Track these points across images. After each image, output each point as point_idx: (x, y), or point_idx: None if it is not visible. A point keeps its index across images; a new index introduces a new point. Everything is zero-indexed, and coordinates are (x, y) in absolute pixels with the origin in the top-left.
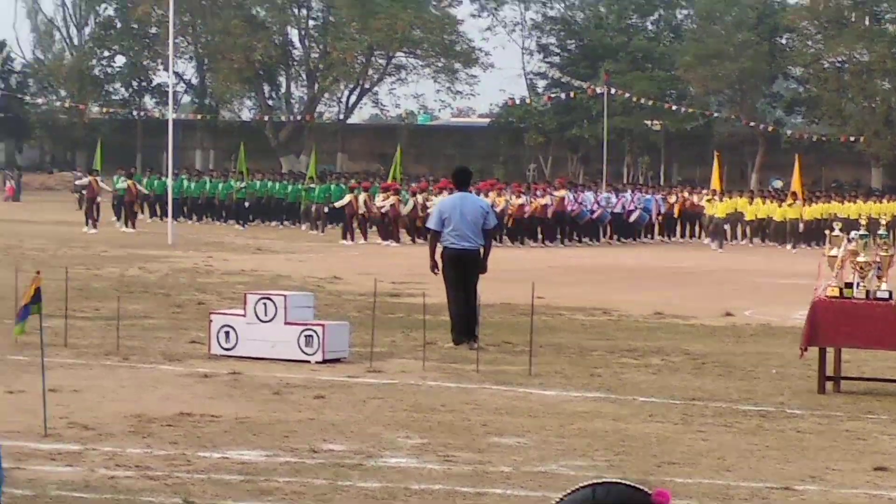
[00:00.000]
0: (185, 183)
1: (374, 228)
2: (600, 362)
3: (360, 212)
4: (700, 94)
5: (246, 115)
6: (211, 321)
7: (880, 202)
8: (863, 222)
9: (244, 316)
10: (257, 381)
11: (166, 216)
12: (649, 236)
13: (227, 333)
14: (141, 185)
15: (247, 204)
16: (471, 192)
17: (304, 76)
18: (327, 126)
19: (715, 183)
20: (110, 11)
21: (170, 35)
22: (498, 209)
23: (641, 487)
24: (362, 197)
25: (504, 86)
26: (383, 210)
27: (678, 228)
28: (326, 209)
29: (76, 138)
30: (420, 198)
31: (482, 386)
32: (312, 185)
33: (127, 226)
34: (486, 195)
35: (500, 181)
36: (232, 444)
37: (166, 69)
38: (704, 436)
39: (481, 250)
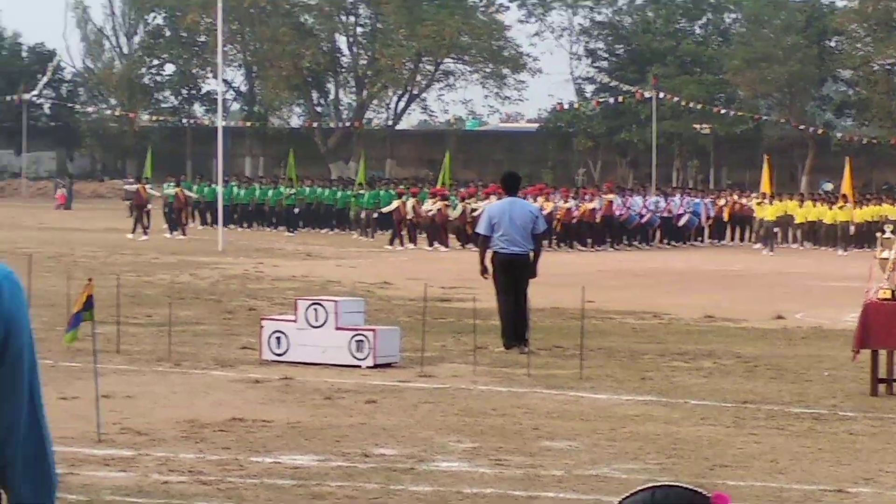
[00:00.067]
0: (235, 190)
1: (424, 234)
2: (651, 366)
3: (408, 217)
4: (749, 97)
5: (295, 121)
6: (262, 327)
7: None
8: None
9: (295, 321)
10: (309, 387)
11: (216, 223)
12: (699, 240)
13: (278, 339)
14: (190, 192)
15: (296, 210)
16: (520, 196)
17: (352, 83)
18: (376, 132)
19: (765, 186)
20: (159, 20)
21: (219, 43)
22: (545, 213)
23: (700, 490)
24: (410, 202)
25: (552, 91)
26: (430, 214)
27: (728, 232)
28: (375, 215)
29: (126, 146)
30: (469, 203)
31: (533, 390)
32: (361, 192)
33: (173, 233)
34: (535, 200)
35: (549, 186)
36: (284, 449)
37: (215, 77)
38: (756, 439)
39: (531, 255)
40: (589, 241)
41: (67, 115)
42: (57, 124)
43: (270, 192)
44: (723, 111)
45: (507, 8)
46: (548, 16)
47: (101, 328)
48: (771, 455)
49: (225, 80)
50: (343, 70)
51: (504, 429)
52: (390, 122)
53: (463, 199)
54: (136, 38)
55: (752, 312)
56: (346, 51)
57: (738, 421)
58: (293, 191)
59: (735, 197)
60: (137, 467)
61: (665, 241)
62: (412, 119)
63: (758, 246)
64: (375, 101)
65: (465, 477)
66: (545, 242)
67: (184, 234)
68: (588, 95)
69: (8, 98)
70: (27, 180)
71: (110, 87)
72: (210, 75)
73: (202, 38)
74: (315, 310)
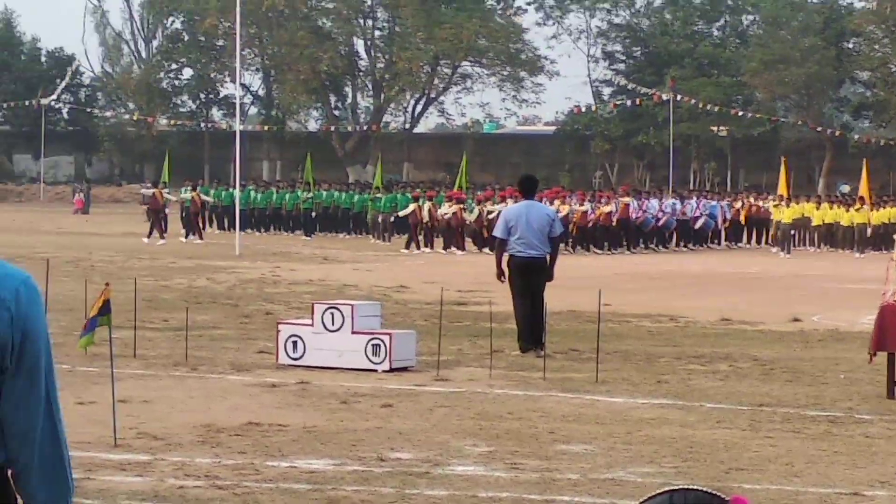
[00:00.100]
0: (252, 194)
1: (441, 238)
2: (667, 369)
3: (425, 221)
4: (766, 99)
5: (312, 125)
6: (279, 331)
7: None
8: None
9: (311, 326)
10: (325, 391)
11: (234, 227)
12: (716, 242)
13: (294, 343)
14: (207, 196)
15: (313, 214)
16: (537, 199)
17: (370, 86)
18: (393, 136)
19: (782, 188)
20: (178, 24)
21: (237, 47)
22: (561, 216)
23: (719, 494)
24: (427, 206)
25: (569, 94)
26: (446, 217)
27: (744, 234)
28: (392, 219)
29: (144, 151)
30: (485, 206)
31: (549, 393)
32: (378, 195)
33: (188, 237)
34: (552, 203)
35: (566, 189)
36: (300, 453)
37: (233, 81)
38: (773, 442)
39: (548, 258)
40: (605, 244)
41: (86, 120)
42: (75, 129)
43: (287, 196)
44: (740, 113)
45: (525, 11)
46: (565, 18)
47: (118, 333)
48: (787, 458)
49: (243, 84)
50: (361, 73)
51: (520, 432)
52: (408, 126)
53: (479, 203)
54: (155, 43)
55: (769, 315)
56: (363, 54)
57: (754, 424)
58: (310, 195)
59: (752, 200)
60: (153, 472)
61: (681, 243)
62: (429, 122)
63: (775, 249)
64: (393, 105)
65: (480, 481)
66: (562, 246)
67: (200, 237)
68: (605, 98)
69: (27, 103)
70: (45, 185)
71: (128, 92)
72: (228, 79)
73: (220, 43)
74: (332, 314)
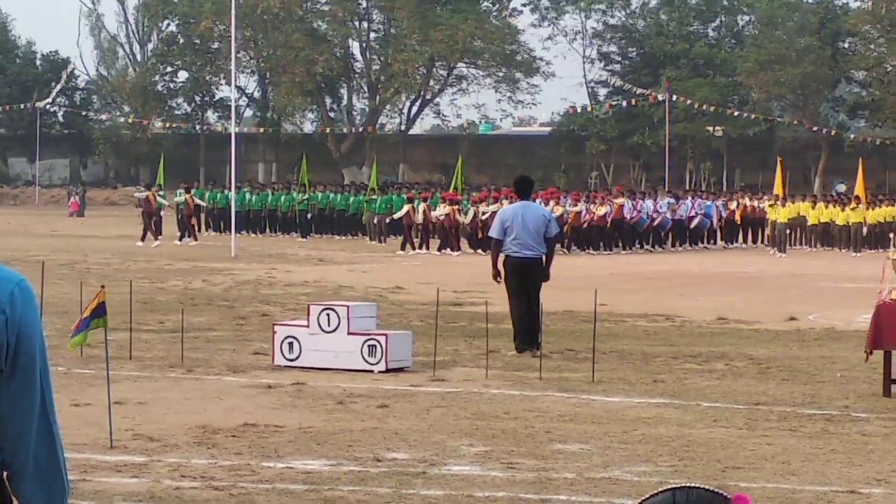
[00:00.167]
0: (248, 196)
1: (438, 239)
2: (664, 368)
3: (418, 222)
4: (762, 99)
5: (308, 127)
6: (274, 332)
7: None
8: None
9: (307, 327)
10: (321, 392)
11: (229, 229)
12: (712, 242)
13: (290, 344)
14: (200, 200)
15: (309, 216)
16: (533, 200)
17: (365, 88)
18: (389, 137)
19: (778, 188)
20: (173, 27)
21: (232, 50)
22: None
23: (721, 492)
24: (421, 207)
25: (565, 94)
26: (440, 219)
27: (740, 234)
28: (388, 220)
29: (140, 153)
30: (479, 207)
31: (545, 393)
32: (374, 197)
33: (183, 239)
34: (546, 204)
35: (561, 190)
36: (296, 454)
37: (229, 84)
38: (769, 440)
39: (543, 258)
40: (601, 244)
41: (81, 123)
42: (70, 132)
43: (283, 198)
44: (736, 113)
45: (521, 12)
46: (561, 19)
47: (113, 335)
48: (783, 456)
49: (238, 87)
50: (356, 75)
51: (516, 432)
52: (403, 127)
53: (474, 204)
54: (150, 46)
55: (765, 314)
56: (359, 56)
57: (750, 423)
58: (306, 196)
59: (746, 200)
60: (150, 473)
61: (677, 243)
62: (425, 124)
63: (771, 250)
64: (388, 106)
65: (476, 481)
66: (557, 246)
67: (195, 239)
68: (601, 99)
69: (22, 106)
70: (40, 188)
71: (124, 95)
72: (223, 82)
73: (215, 45)
74: (327, 315)
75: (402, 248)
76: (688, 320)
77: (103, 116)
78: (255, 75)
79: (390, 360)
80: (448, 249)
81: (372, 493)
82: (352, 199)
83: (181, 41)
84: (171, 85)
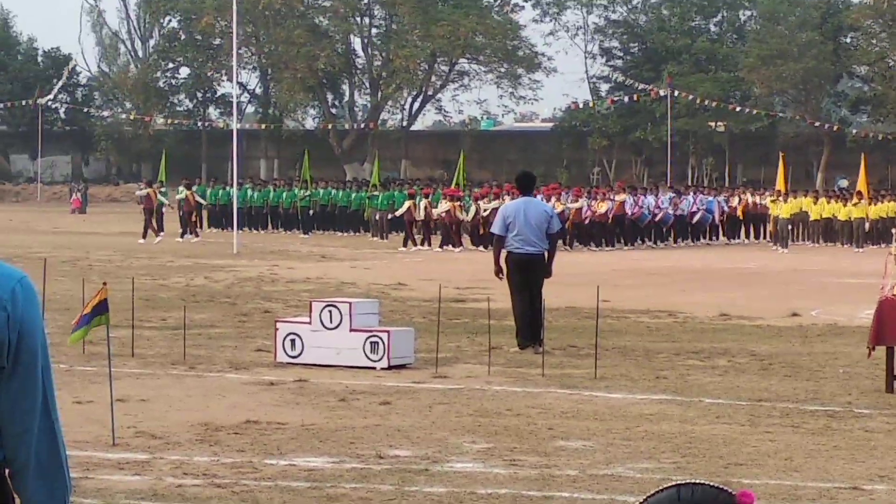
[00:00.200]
0: (249, 192)
1: (440, 235)
2: (666, 364)
3: (419, 218)
4: (764, 94)
5: (310, 123)
6: (277, 329)
7: None
8: None
9: (310, 323)
10: (323, 388)
11: (231, 226)
12: (714, 237)
13: (292, 341)
14: (200, 197)
15: (311, 212)
16: (535, 196)
17: (367, 84)
18: (391, 133)
19: (780, 183)
20: (174, 24)
21: (233, 46)
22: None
23: (725, 488)
24: (423, 203)
25: (567, 90)
26: (442, 215)
27: (742, 230)
28: (390, 217)
29: (141, 150)
30: (481, 203)
31: (547, 390)
32: (376, 193)
33: (184, 236)
34: (548, 200)
35: (563, 186)
36: (298, 451)
37: (230, 80)
38: (771, 436)
39: (546, 254)
40: (602, 240)
41: (83, 120)
42: (72, 128)
43: (285, 195)
44: (738, 109)
45: (522, 7)
46: (562, 15)
47: (115, 332)
48: (786, 453)
49: (240, 83)
50: (358, 71)
51: (518, 429)
52: (405, 123)
53: (476, 200)
54: (151, 42)
55: (768, 310)
56: (360, 52)
57: (752, 419)
58: (308, 193)
59: (748, 195)
60: (152, 471)
61: (679, 239)
62: (427, 120)
63: (774, 248)
64: (390, 102)
65: (479, 477)
66: (559, 242)
67: (197, 235)
68: (603, 94)
69: (23, 102)
70: (42, 184)
71: (125, 91)
72: (225, 78)
73: (217, 41)
74: (329, 311)
75: (405, 244)
76: (690, 316)
77: (105, 113)
78: (256, 71)
79: (392, 357)
80: (450, 246)
81: (374, 491)
82: (353, 195)
83: (183, 37)
84: (173, 81)
